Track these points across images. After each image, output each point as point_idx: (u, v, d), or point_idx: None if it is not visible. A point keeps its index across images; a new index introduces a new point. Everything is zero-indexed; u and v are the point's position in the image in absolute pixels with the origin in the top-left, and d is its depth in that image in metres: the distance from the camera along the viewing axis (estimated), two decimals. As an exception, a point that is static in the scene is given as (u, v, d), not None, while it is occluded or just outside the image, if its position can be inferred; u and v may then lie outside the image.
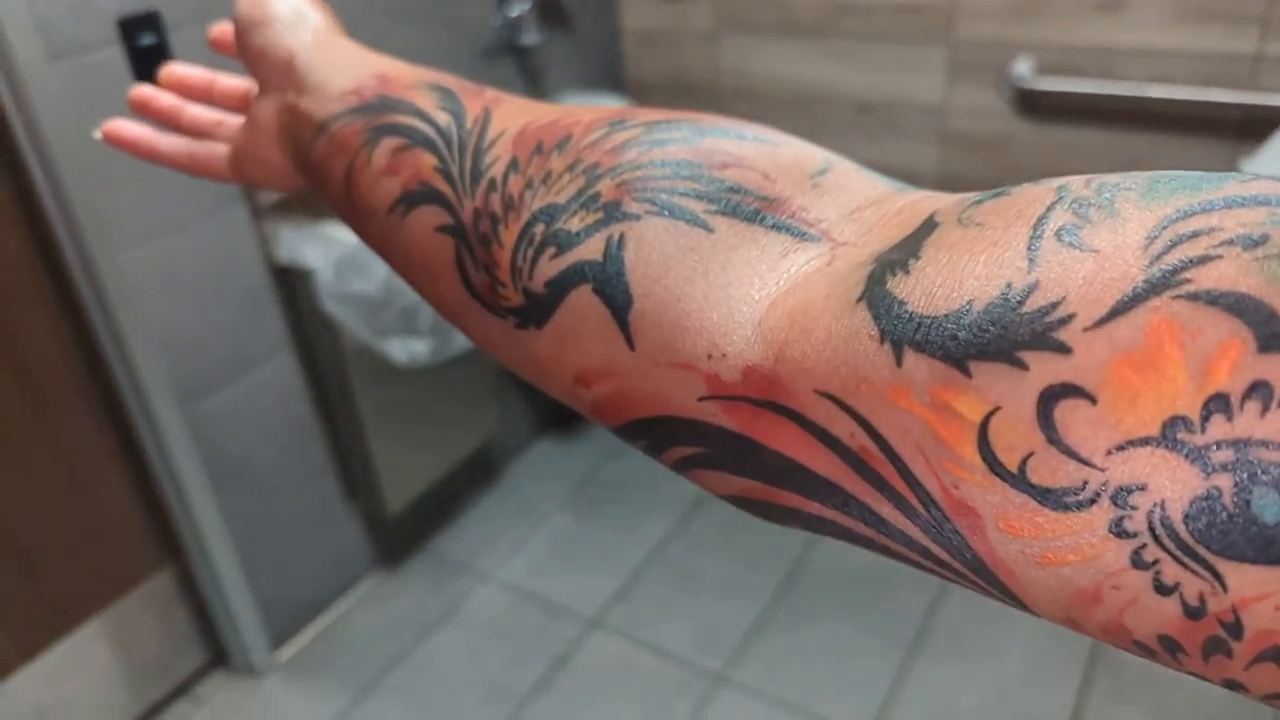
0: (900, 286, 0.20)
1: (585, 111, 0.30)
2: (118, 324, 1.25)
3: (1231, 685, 0.17)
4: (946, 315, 0.18)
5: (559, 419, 2.11)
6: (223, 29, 0.47)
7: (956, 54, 1.67)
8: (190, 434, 1.38)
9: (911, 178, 1.76)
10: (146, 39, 1.19)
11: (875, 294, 0.20)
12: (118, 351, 1.28)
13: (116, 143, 0.47)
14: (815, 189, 0.25)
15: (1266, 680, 0.16)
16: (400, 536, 1.81)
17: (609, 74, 1.99)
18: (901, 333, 0.19)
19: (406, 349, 1.46)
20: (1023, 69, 1.59)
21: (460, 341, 1.52)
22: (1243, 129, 1.49)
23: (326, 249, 1.39)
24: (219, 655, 1.60)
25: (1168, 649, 0.17)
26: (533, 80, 1.80)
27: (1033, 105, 1.64)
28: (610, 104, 1.86)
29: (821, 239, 0.23)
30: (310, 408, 1.56)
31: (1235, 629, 0.16)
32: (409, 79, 0.36)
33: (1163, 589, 0.16)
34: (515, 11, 1.70)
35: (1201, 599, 0.16)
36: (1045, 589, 0.18)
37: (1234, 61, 1.46)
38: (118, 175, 1.20)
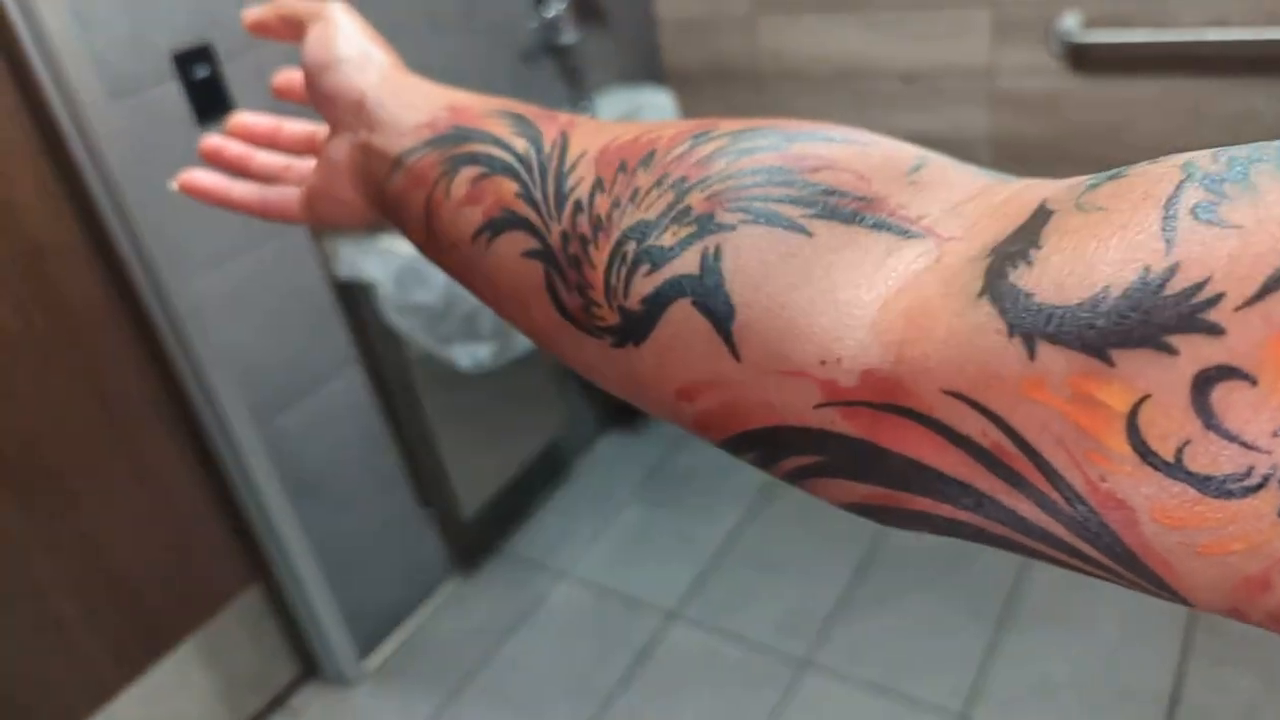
0: (1025, 278, 0.19)
1: (665, 126, 0.29)
2: (192, 348, 1.29)
3: None
4: (1079, 304, 0.18)
5: (624, 413, 2.12)
6: (287, 76, 0.47)
7: (1001, 14, 1.63)
8: (267, 452, 1.41)
9: (964, 144, 1.72)
10: (201, 71, 1.21)
11: (998, 287, 0.20)
12: (194, 375, 1.32)
13: (192, 192, 0.48)
14: (913, 185, 0.24)
15: None
16: (476, 539, 1.83)
17: (647, 66, 1.99)
18: (1032, 325, 0.19)
19: (470, 354, 1.48)
20: (1070, 23, 1.55)
21: (522, 343, 1.53)
22: (1310, 66, 1.44)
23: (385, 262, 1.41)
24: (310, 667, 1.64)
25: None
26: (573, 79, 1.80)
27: (1084, 60, 1.60)
28: (651, 96, 1.85)
29: (926, 235, 0.23)
30: (380, 418, 1.59)
31: None
32: (481, 108, 0.36)
33: None
34: (552, 12, 1.70)
35: None
36: (1206, 579, 0.17)
37: (1296, -3, 1.41)
38: (182, 207, 1.22)
